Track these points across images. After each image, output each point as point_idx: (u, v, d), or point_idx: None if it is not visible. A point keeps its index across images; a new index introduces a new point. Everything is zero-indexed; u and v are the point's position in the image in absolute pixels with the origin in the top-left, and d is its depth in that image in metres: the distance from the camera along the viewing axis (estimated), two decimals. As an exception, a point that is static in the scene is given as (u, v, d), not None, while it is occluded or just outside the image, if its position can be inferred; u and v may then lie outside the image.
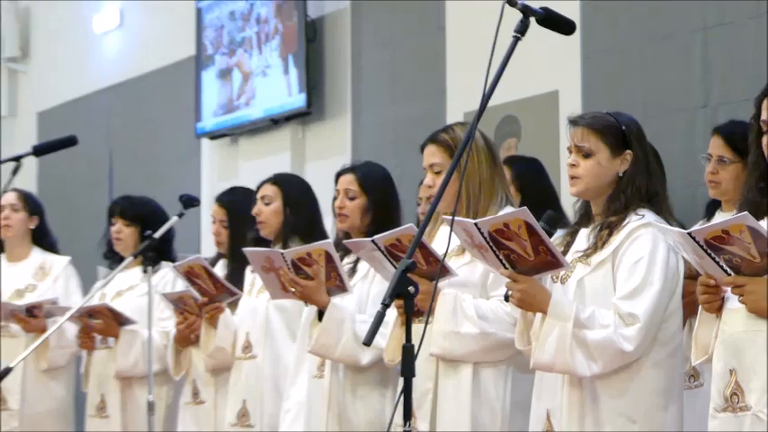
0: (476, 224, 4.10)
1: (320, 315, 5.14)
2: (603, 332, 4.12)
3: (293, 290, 5.17)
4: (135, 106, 10.21)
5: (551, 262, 4.14)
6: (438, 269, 4.23)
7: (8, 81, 11.97)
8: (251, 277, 5.81)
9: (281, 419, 5.66)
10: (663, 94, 5.97)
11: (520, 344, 4.38)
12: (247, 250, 5.44)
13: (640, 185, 4.32)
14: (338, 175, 5.51)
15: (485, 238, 4.12)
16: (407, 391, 3.40)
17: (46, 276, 6.98)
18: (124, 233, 6.64)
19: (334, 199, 5.47)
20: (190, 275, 5.91)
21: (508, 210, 4.63)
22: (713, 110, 5.38)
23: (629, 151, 4.30)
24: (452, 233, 4.00)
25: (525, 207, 4.16)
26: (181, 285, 6.27)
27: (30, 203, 7.10)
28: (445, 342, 4.55)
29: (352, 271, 5.31)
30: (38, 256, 7.06)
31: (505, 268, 4.18)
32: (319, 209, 5.88)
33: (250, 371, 5.89)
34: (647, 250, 4.19)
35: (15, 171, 6.14)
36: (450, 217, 3.95)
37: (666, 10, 6.14)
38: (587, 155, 4.30)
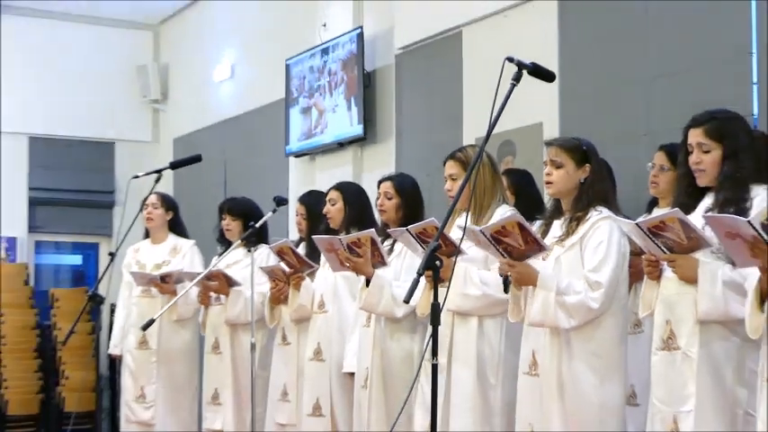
0: (481, 231, 4.18)
1: (367, 282, 5.19)
2: (578, 297, 4.16)
3: (348, 264, 5.25)
4: (242, 133, 10.25)
5: (538, 248, 4.19)
6: (456, 250, 4.24)
7: (152, 117, 12.02)
8: (324, 256, 5.80)
9: (344, 356, 5.70)
10: (617, 125, 5.94)
11: (513, 317, 4.45)
12: (315, 237, 5.54)
13: (597, 189, 4.37)
14: (380, 182, 5.57)
15: (488, 239, 4.19)
16: (435, 335, 3.46)
17: (177, 254, 6.99)
18: (231, 225, 6.64)
19: (377, 199, 5.52)
20: (281, 254, 5.98)
21: (505, 207, 4.74)
22: (652, 137, 5.35)
23: (588, 164, 4.35)
24: (465, 231, 4.08)
25: (517, 212, 4.33)
26: (273, 261, 6.32)
27: (167, 202, 7.14)
28: (457, 300, 4.59)
29: (390, 250, 5.33)
30: (172, 239, 7.09)
31: (504, 257, 4.22)
32: (371, 206, 5.87)
33: (323, 321, 5.89)
34: (605, 236, 4.21)
35: (157, 180, 6.21)
36: (464, 224, 4.06)
37: (619, 66, 6.11)
38: (559, 166, 4.36)
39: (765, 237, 3.14)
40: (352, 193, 5.96)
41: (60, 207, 11.44)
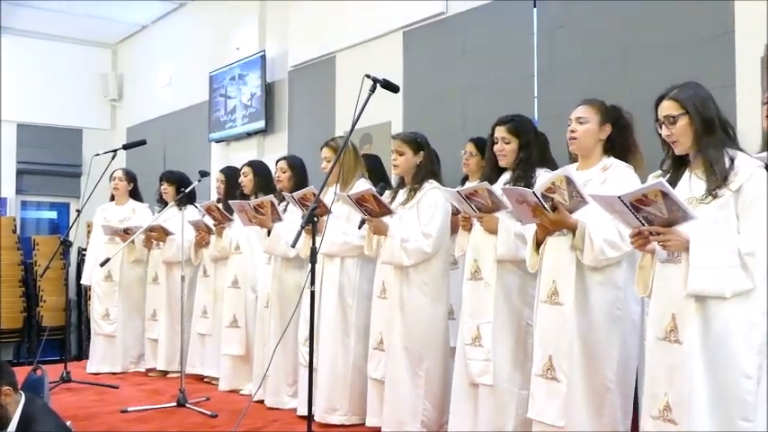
0: (348, 196, 4.15)
1: (269, 232, 5.03)
2: (415, 243, 4.16)
3: (254, 221, 5.08)
4: (177, 125, 9.97)
5: (386, 212, 4.17)
6: (328, 210, 4.17)
7: (111, 111, 11.67)
8: (239, 213, 5.65)
9: (257, 285, 5.54)
10: (442, 123, 5.97)
11: (367, 251, 4.44)
12: (231, 202, 5.35)
13: (429, 169, 4.35)
14: (277, 161, 5.41)
15: (354, 204, 4.17)
16: (313, 271, 3.37)
17: (134, 214, 6.70)
18: (168, 190, 6.45)
19: (275, 173, 5.38)
20: (209, 210, 5.83)
21: (362, 181, 4.68)
22: (466, 132, 5.38)
23: (422, 152, 4.32)
24: (335, 197, 4.17)
25: (372, 188, 4.22)
26: (198, 216, 6.15)
27: (129, 176, 6.85)
28: (326, 246, 4.48)
29: (284, 210, 5.16)
30: (132, 202, 6.79)
31: (365, 216, 4.20)
32: (273, 178, 5.63)
33: (239, 259, 5.75)
34: (434, 201, 4.21)
35: (113, 157, 6.00)
36: (340, 192, 4.21)
37: (444, 81, 6.13)
38: (401, 154, 4.32)
39: (543, 203, 3.18)
40: (261, 168, 5.81)
41: (41, 176, 11.15)
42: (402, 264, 4.19)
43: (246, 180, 5.72)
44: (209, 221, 5.96)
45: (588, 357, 3.25)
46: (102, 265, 5.59)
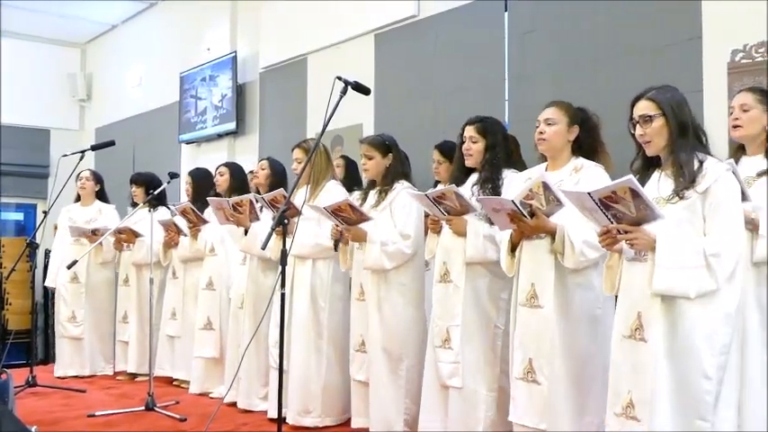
0: (325, 208, 4.14)
1: (246, 232, 5.02)
2: (395, 246, 4.17)
3: (231, 219, 5.06)
4: (147, 125, 9.89)
5: (363, 219, 4.14)
6: (299, 212, 4.17)
7: (79, 111, 11.55)
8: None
9: (231, 287, 5.50)
10: (413, 126, 5.99)
11: (343, 267, 4.46)
12: (209, 198, 5.32)
13: (399, 170, 4.37)
14: (260, 160, 5.40)
15: (329, 214, 4.17)
16: (284, 273, 3.36)
17: (101, 215, 6.62)
18: (137, 192, 6.40)
19: (254, 171, 5.38)
20: (183, 212, 5.78)
21: (333, 182, 4.68)
22: (437, 136, 5.38)
23: (391, 154, 4.34)
24: (305, 201, 4.16)
25: (349, 197, 4.23)
26: (167, 217, 6.12)
27: (96, 177, 6.78)
28: (297, 248, 4.47)
29: (261, 210, 5.13)
30: (98, 204, 6.71)
31: (340, 223, 4.20)
32: (248, 178, 5.68)
33: (214, 261, 5.72)
34: (407, 201, 4.21)
35: (81, 158, 5.93)
36: (316, 204, 4.18)
37: (417, 84, 6.15)
38: (370, 158, 4.33)
39: (522, 211, 3.21)
40: (236, 169, 5.82)
41: (7, 176, 10.92)
42: (384, 267, 4.19)
43: (222, 180, 5.72)
44: (180, 222, 5.92)
45: (570, 358, 3.28)
46: (70, 267, 5.52)
